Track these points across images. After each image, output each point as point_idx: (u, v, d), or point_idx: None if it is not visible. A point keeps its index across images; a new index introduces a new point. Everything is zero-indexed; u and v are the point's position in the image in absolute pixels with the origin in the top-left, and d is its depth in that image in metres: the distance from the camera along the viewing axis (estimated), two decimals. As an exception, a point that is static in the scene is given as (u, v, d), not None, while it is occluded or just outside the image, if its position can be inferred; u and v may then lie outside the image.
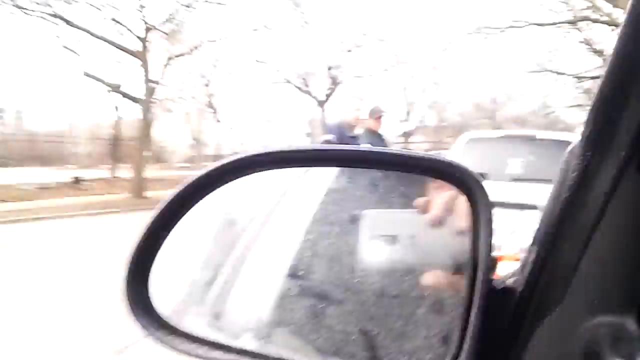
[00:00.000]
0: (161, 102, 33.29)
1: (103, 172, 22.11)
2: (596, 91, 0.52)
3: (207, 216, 0.83)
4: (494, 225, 0.66)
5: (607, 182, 0.51)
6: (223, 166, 0.72)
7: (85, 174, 20.98)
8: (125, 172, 21.24)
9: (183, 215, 0.72)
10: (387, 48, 31.75)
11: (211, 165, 0.72)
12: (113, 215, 13.39)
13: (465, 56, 33.21)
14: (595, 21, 23.98)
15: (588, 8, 22.96)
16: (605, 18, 22.08)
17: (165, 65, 18.70)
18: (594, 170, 0.52)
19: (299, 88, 28.90)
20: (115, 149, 23.14)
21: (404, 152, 0.74)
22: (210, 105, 29.98)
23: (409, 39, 32.95)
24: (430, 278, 0.68)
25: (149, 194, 16.52)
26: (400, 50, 32.62)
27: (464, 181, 0.67)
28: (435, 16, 25.05)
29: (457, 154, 6.05)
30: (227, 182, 0.74)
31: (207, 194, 0.73)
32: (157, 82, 17.57)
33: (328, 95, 27.85)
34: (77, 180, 19.72)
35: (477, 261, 0.64)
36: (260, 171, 0.73)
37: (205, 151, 35.13)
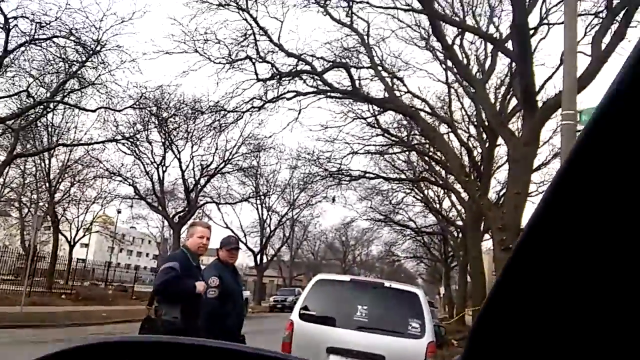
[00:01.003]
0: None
1: None
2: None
3: None
4: None
5: None
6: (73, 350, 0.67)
7: None
8: None
9: None
10: (248, 178, 32.53)
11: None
12: None
13: (322, 198, 35.24)
14: (432, 183, 27.38)
15: (426, 170, 26.24)
16: (440, 182, 25.31)
17: (5, 163, 17.24)
18: None
19: (152, 206, 28.02)
20: None
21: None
22: (52, 214, 27.39)
23: (269, 172, 34.21)
24: None
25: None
26: (260, 183, 33.74)
27: None
28: (295, 154, 26.55)
29: (307, 293, 6.11)
30: None
31: None
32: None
33: (182, 218, 27.07)
34: None
35: None
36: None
37: (39, 265, 31.51)
